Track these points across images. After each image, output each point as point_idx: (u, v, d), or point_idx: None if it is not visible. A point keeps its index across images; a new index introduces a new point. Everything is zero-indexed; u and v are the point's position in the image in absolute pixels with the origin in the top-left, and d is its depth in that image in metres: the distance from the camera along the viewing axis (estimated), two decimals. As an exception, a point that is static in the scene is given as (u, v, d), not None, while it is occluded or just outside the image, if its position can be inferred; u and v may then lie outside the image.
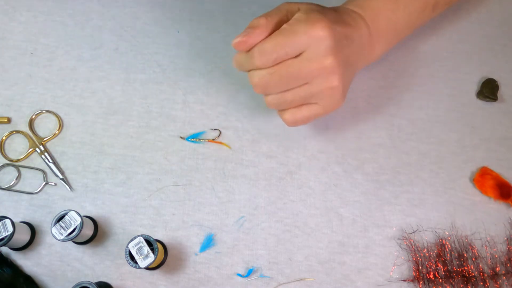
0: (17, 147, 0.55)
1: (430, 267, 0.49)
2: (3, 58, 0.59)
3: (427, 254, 0.50)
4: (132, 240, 0.46)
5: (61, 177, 0.53)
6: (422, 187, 0.53)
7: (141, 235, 0.47)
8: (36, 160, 0.55)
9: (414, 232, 0.51)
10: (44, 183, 0.53)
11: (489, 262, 0.50)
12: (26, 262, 0.50)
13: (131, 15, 0.62)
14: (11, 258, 0.50)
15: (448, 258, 0.49)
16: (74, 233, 0.47)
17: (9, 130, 0.56)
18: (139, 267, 0.45)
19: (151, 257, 0.46)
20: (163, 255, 0.50)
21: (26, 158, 0.55)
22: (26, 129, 0.56)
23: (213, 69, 0.59)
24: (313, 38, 0.43)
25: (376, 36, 0.51)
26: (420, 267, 0.49)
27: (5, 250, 0.51)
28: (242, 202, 0.52)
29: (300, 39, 0.43)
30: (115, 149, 0.55)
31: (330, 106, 0.47)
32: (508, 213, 0.52)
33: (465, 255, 0.49)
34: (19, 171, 0.54)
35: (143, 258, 0.46)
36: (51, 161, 0.54)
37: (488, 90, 0.57)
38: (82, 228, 0.47)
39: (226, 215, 0.52)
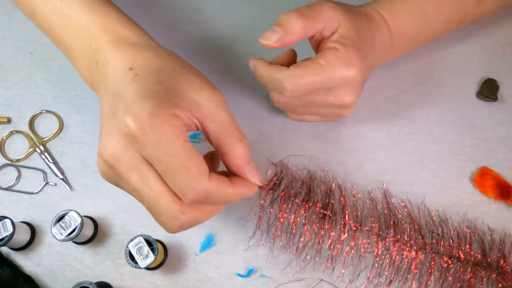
0: (17, 147, 0.55)
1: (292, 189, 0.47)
2: (3, 58, 0.59)
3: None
4: (132, 240, 0.46)
5: (61, 177, 0.53)
6: (422, 187, 0.53)
7: (141, 235, 0.47)
8: (36, 160, 0.55)
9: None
10: (44, 183, 0.53)
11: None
12: (26, 262, 0.50)
13: (131, 15, 0.61)
14: (11, 258, 0.50)
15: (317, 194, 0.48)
16: (74, 233, 0.47)
17: (9, 130, 0.56)
18: (139, 267, 0.45)
19: (151, 257, 0.46)
20: (163, 255, 0.50)
21: (26, 158, 0.55)
22: (26, 129, 0.56)
23: (213, 69, 0.59)
24: (345, 81, 0.44)
25: (396, 45, 0.52)
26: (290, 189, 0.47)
27: (5, 250, 0.51)
28: (242, 202, 0.52)
29: (334, 81, 0.44)
30: (115, 149, 0.55)
31: (330, 121, 0.54)
32: (508, 213, 0.52)
33: (343, 203, 0.48)
34: (19, 171, 0.54)
35: (143, 258, 0.46)
36: (51, 161, 0.54)
37: (488, 90, 0.57)
38: (82, 228, 0.47)
39: (226, 215, 0.52)
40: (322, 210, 0.46)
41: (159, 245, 0.48)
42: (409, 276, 0.47)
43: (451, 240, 0.48)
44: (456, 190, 0.53)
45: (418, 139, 0.56)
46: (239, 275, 0.50)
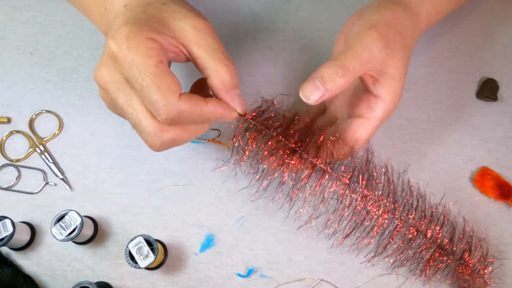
0: (17, 147, 0.55)
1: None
2: (3, 58, 0.59)
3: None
4: (132, 240, 0.46)
5: (61, 177, 0.53)
6: (422, 187, 0.53)
7: (141, 235, 0.47)
8: (36, 160, 0.55)
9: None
10: (44, 183, 0.53)
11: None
12: (26, 262, 0.50)
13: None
14: (11, 258, 0.50)
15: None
16: (74, 233, 0.47)
17: (9, 130, 0.56)
18: (139, 267, 0.45)
19: (151, 257, 0.46)
20: (163, 255, 0.50)
21: (26, 158, 0.55)
22: (26, 129, 0.56)
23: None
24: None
25: (430, 25, 0.52)
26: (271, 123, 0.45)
27: (5, 250, 0.51)
28: (242, 202, 0.52)
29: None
30: (115, 149, 0.55)
31: None
32: (508, 213, 0.52)
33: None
34: (19, 171, 0.54)
35: (143, 258, 0.46)
36: (51, 161, 0.54)
37: (488, 90, 0.57)
38: (82, 228, 0.47)
39: (226, 215, 0.52)
40: (294, 146, 0.44)
41: (159, 245, 0.48)
42: (369, 234, 0.45)
43: (423, 214, 0.46)
44: (456, 190, 0.53)
45: (418, 139, 0.56)
46: (239, 275, 0.50)
